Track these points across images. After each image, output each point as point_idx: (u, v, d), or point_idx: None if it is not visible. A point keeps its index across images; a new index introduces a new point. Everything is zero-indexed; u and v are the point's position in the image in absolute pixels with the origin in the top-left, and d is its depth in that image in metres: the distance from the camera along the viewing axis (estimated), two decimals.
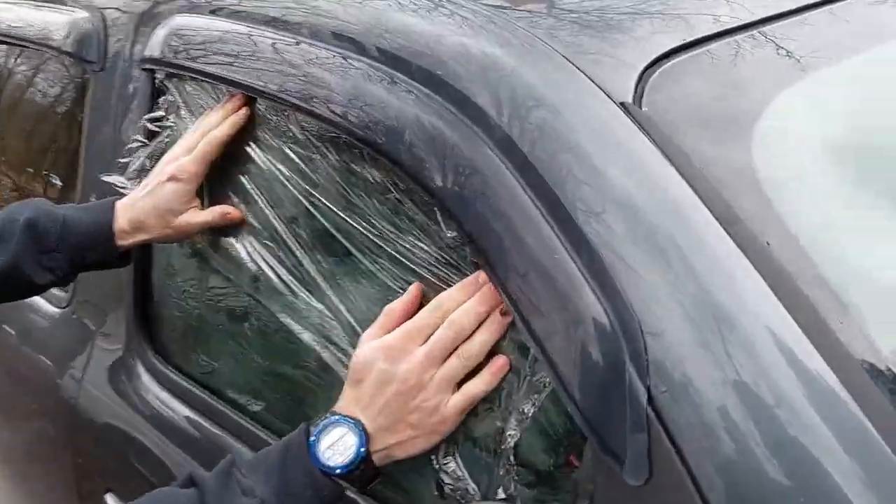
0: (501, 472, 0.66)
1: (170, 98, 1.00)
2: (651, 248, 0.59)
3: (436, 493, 0.72)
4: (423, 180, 0.69)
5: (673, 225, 0.60)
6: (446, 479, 0.69)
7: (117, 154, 1.06)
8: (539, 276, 0.61)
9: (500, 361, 0.66)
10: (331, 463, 0.65)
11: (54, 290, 1.20)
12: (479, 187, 0.65)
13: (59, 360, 1.21)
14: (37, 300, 1.26)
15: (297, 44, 0.82)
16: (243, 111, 0.87)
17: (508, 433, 0.65)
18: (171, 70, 0.98)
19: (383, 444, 0.66)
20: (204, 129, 0.90)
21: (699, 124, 0.68)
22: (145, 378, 1.05)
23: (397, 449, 0.66)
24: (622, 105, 0.65)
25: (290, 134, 0.84)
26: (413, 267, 0.73)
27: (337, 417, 0.66)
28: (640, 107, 0.65)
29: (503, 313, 0.65)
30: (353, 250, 0.78)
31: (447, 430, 0.66)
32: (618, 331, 0.57)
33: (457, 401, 0.66)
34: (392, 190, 0.74)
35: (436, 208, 0.69)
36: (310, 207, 0.82)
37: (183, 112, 0.98)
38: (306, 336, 0.82)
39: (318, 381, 0.83)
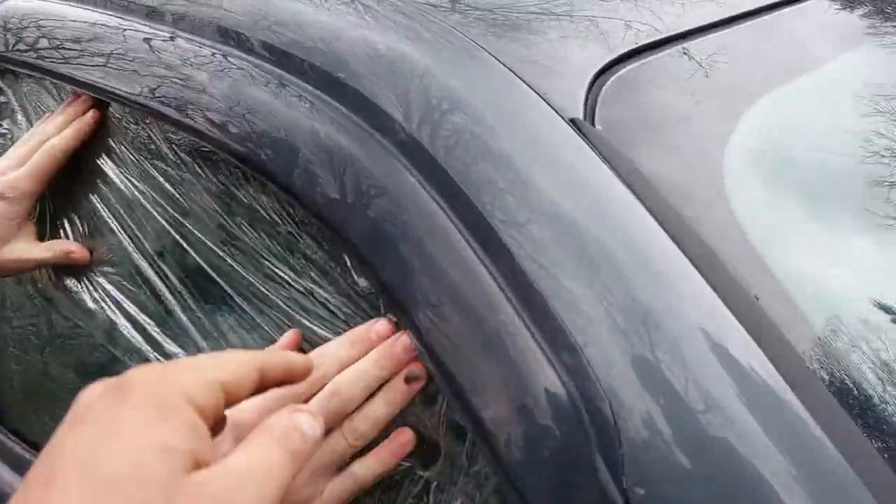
0: None
1: (2, 98, 0.80)
2: (621, 296, 0.46)
3: None
4: (319, 206, 0.54)
5: (645, 271, 0.47)
6: None
7: None
8: (472, 332, 0.48)
9: (402, 437, 0.51)
10: None
11: None
12: (389, 211, 0.51)
13: None
14: None
15: (172, 39, 0.64)
16: (90, 116, 0.70)
17: None
18: (4, 65, 0.78)
19: None
20: (41, 138, 0.71)
21: (658, 140, 0.56)
22: None
23: None
24: (572, 121, 0.52)
25: (156, 149, 0.66)
26: (308, 318, 0.57)
27: None
28: (593, 122, 0.52)
29: (410, 379, 0.50)
30: (233, 295, 0.61)
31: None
32: (580, 408, 0.44)
33: (337, 486, 0.50)
34: (282, 219, 0.58)
35: (337, 242, 0.54)
36: (179, 240, 0.65)
37: (19, 116, 0.78)
38: None
39: None
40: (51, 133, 0.71)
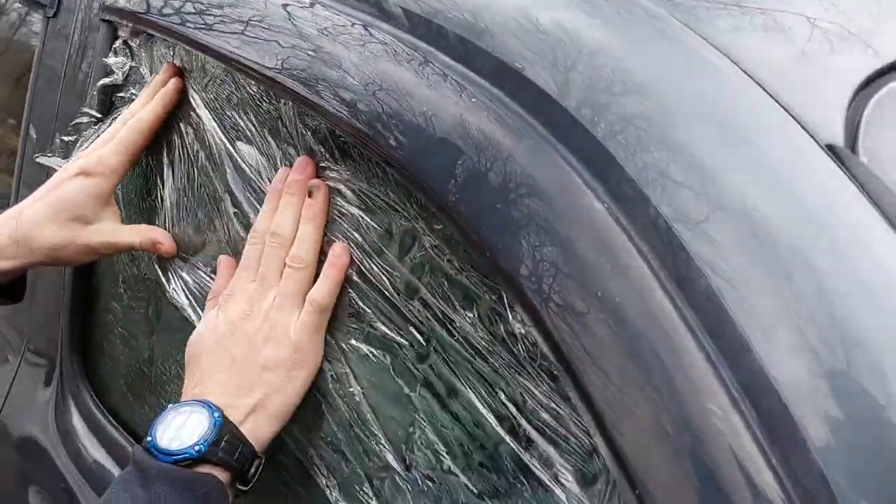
0: None
1: (133, 63, 0.75)
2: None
3: None
4: (453, 206, 0.45)
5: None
6: None
7: (63, 128, 0.81)
8: (624, 347, 0.38)
9: (337, 250, 0.54)
10: (186, 446, 0.49)
11: None
12: (537, 207, 0.41)
13: None
14: None
15: (311, 6, 0.57)
16: (172, 85, 0.67)
17: None
18: (139, 27, 0.73)
19: (243, 408, 0.52)
20: (127, 115, 0.68)
21: None
22: (76, 421, 0.81)
23: (263, 409, 0.52)
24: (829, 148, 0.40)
25: (276, 127, 0.59)
26: (450, 356, 0.48)
27: (169, 408, 0.52)
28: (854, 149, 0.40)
29: (312, 190, 0.55)
30: (360, 307, 0.53)
31: (310, 357, 0.54)
32: (766, 451, 0.34)
33: (304, 317, 0.54)
34: (406, 217, 0.50)
35: (468, 238, 0.44)
36: None
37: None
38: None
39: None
40: (137, 108, 0.67)
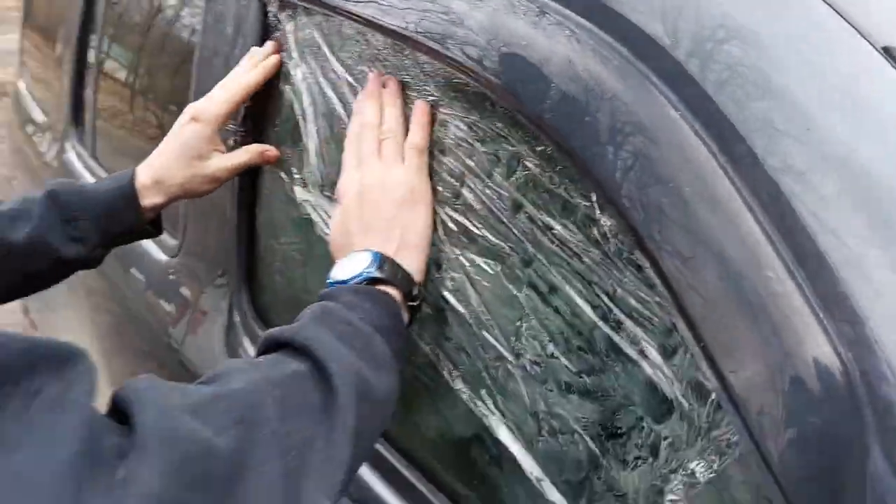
0: None
1: (278, 34, 0.87)
2: None
3: None
4: (569, 143, 0.52)
5: None
6: None
7: None
8: (731, 289, 0.43)
9: (418, 104, 0.66)
10: (357, 272, 0.61)
11: (166, 238, 1.13)
12: (644, 150, 0.47)
13: (171, 308, 1.16)
14: (151, 247, 1.20)
15: None
16: (274, 59, 0.85)
17: (669, 498, 0.48)
18: (311, 6, 0.84)
19: (390, 248, 0.63)
20: (233, 76, 0.85)
21: None
22: (247, 344, 0.96)
23: (405, 245, 0.64)
24: (885, 49, 0.44)
25: (401, 77, 0.68)
26: (551, 259, 0.56)
27: (340, 258, 0.64)
28: None
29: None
30: (472, 223, 0.62)
31: (423, 193, 0.65)
32: (857, 386, 0.39)
33: (408, 162, 0.66)
34: (530, 155, 0.57)
35: (585, 179, 0.51)
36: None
37: (294, 52, 0.85)
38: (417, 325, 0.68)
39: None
40: (241, 72, 0.84)
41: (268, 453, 0.44)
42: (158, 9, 1.40)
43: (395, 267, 0.62)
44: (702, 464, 0.47)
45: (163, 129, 1.38)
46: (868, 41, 0.48)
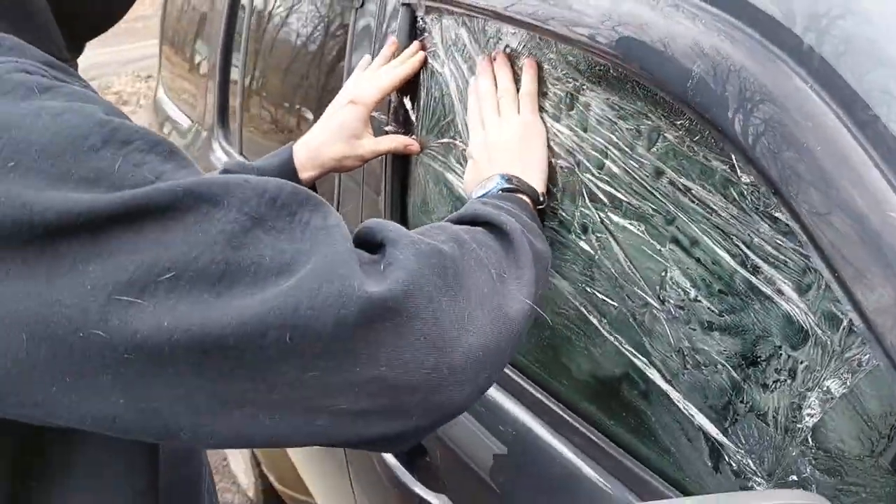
0: (794, 454, 0.58)
1: (426, 35, 0.99)
2: None
3: (708, 463, 0.66)
4: (709, 114, 0.60)
5: None
6: (724, 451, 0.63)
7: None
8: (865, 234, 0.51)
9: (527, 61, 0.81)
10: (491, 187, 0.75)
11: None
12: (774, 116, 0.55)
13: None
14: None
15: None
16: (420, 57, 0.98)
17: (807, 412, 0.57)
18: (431, 4, 0.97)
19: (516, 171, 0.77)
20: (386, 66, 0.98)
21: None
22: None
23: (526, 168, 0.77)
24: None
25: (551, 68, 0.78)
26: (692, 217, 0.65)
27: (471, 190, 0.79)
28: None
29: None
30: (618, 192, 0.72)
31: (537, 128, 0.79)
32: None
33: (522, 106, 0.80)
34: (670, 128, 0.66)
35: (725, 147, 0.60)
36: (574, 149, 0.77)
37: (440, 52, 0.97)
38: (566, 283, 0.79)
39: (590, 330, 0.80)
40: (396, 64, 0.97)
41: (478, 262, 0.55)
42: (297, 22, 1.56)
43: (523, 183, 0.75)
44: (836, 381, 0.55)
45: (301, 130, 1.55)
46: None
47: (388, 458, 1.03)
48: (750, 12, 0.60)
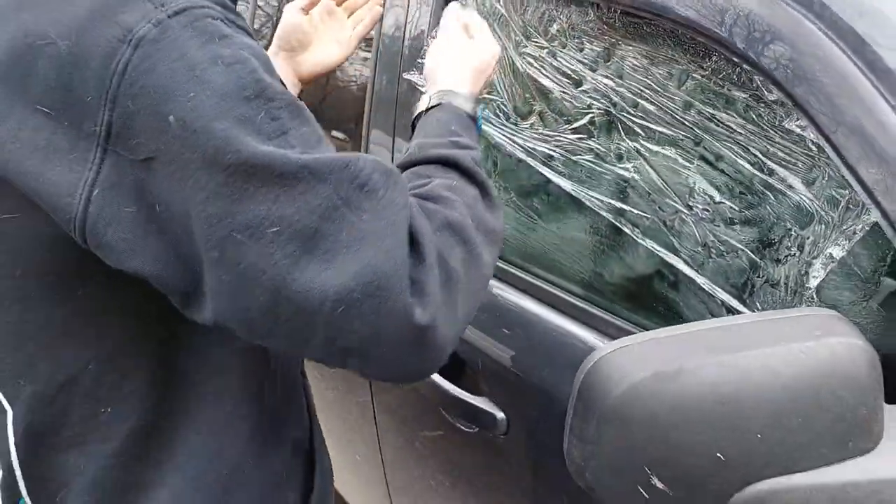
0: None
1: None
2: None
3: None
4: (741, 52, 0.78)
5: None
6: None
7: (407, 63, 1.23)
8: (869, 133, 0.69)
9: None
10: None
11: None
12: (790, 56, 0.74)
13: None
14: None
15: None
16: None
17: (813, 275, 0.75)
18: None
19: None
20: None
21: None
22: None
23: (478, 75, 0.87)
24: None
25: (580, 21, 0.96)
26: (716, 137, 0.83)
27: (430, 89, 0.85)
28: None
29: None
30: (650, 123, 0.89)
31: (488, 42, 0.90)
32: None
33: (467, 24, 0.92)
34: (698, 69, 0.84)
35: (754, 74, 0.78)
36: (603, 83, 0.94)
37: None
38: (590, 204, 0.95)
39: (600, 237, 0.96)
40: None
41: (464, 194, 0.66)
42: None
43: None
44: (836, 248, 0.73)
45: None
46: None
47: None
48: None
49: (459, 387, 1.11)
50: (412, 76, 1.21)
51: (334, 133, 1.60)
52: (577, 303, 0.99)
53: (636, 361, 0.62)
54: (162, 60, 0.52)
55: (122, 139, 0.52)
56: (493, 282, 1.11)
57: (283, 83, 0.58)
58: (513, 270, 1.08)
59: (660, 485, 0.61)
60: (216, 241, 0.52)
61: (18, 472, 0.66)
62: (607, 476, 0.64)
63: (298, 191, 0.53)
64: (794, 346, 0.60)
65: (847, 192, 0.72)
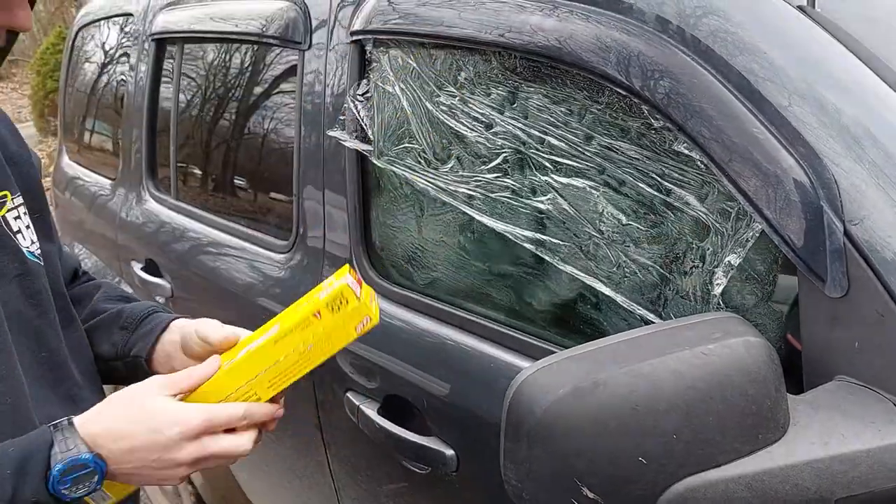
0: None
1: (376, 64, 1.20)
2: (839, 129, 0.73)
3: None
4: (632, 87, 0.85)
5: (850, 98, 0.74)
6: None
7: (330, 120, 1.28)
8: (746, 150, 0.76)
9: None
10: (66, 493, 0.71)
11: (276, 240, 1.44)
12: (676, 89, 0.81)
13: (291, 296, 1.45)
14: (261, 252, 1.51)
15: None
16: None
17: (716, 283, 0.81)
18: (380, 37, 1.18)
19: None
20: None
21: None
22: None
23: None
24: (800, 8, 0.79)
25: (496, 77, 1.02)
26: (617, 164, 0.89)
27: (86, 458, 0.72)
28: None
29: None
30: (558, 157, 0.95)
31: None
32: (815, 182, 0.72)
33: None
34: (594, 104, 0.91)
35: (643, 108, 0.85)
36: (516, 133, 1.00)
37: (391, 76, 1.18)
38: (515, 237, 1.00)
39: (531, 272, 1.01)
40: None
41: None
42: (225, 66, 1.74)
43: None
44: (733, 256, 0.79)
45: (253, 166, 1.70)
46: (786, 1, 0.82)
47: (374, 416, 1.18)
48: (636, 11, 0.85)
49: (409, 429, 1.13)
50: (335, 132, 1.25)
51: (272, 195, 1.63)
52: (510, 332, 1.03)
53: (556, 379, 0.65)
54: None
55: None
56: (429, 320, 1.14)
57: None
58: (447, 308, 1.12)
59: (591, 495, 0.65)
60: None
61: None
62: (543, 493, 0.67)
63: None
64: (697, 349, 0.65)
65: (735, 203, 0.78)
